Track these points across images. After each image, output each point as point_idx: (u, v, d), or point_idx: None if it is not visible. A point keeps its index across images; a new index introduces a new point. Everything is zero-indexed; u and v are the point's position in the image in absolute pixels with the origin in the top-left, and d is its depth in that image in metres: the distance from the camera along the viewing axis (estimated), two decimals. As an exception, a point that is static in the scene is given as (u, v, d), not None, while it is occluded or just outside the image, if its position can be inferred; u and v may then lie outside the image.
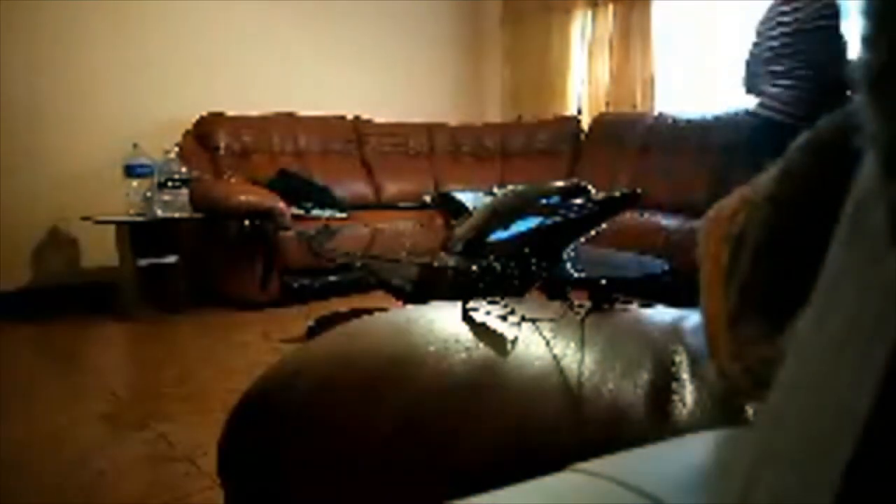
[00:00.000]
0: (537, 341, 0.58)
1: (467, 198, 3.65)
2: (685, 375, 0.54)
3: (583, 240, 1.95)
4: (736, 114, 3.45)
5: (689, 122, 3.63)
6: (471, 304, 0.66)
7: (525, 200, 1.96)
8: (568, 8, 4.35)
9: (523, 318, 0.63)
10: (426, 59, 4.68)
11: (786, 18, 2.59)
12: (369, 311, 0.75)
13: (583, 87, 4.40)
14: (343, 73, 4.26)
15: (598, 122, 4.17)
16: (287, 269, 3.09)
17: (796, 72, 2.59)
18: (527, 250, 1.78)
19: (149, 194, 2.94)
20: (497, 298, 0.68)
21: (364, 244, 3.26)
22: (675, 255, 2.66)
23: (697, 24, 3.82)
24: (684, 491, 0.27)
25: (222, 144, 3.55)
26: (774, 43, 2.65)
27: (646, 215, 3.12)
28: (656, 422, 0.50)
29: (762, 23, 2.74)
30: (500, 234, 1.89)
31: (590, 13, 4.27)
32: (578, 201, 1.86)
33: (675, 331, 0.61)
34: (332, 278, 3.22)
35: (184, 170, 3.04)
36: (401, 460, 0.51)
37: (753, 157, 1.73)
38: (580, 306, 0.67)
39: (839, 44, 2.47)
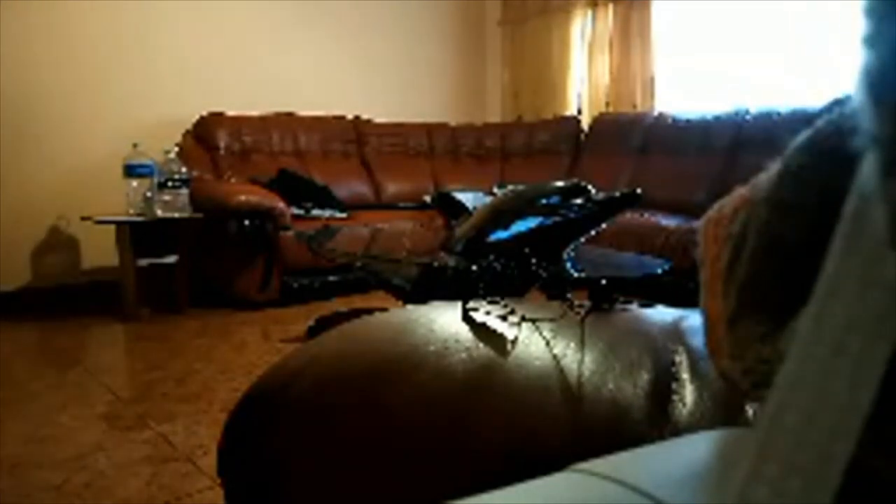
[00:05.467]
0: (537, 341, 0.58)
1: (467, 198, 3.65)
2: (685, 375, 0.54)
3: (583, 240, 1.95)
4: (736, 113, 3.45)
5: (689, 122, 3.63)
6: (471, 304, 0.66)
7: (525, 200, 1.96)
8: (568, 8, 4.35)
9: (523, 318, 0.63)
10: (426, 59, 4.68)
11: None
12: (369, 311, 0.75)
13: (583, 87, 4.40)
14: (343, 73, 4.26)
15: (598, 122, 4.17)
16: (287, 269, 3.09)
17: None
18: (527, 250, 1.79)
19: (149, 194, 2.94)
20: (497, 298, 0.68)
21: (364, 244, 3.26)
22: (675, 255, 2.66)
23: (697, 24, 3.83)
24: (684, 491, 0.27)
25: (222, 144, 3.55)
26: None
27: (646, 215, 3.12)
28: (656, 422, 0.50)
29: None
30: (500, 234, 1.89)
31: (590, 13, 4.27)
32: (578, 201, 1.87)
33: (675, 331, 0.61)
34: (332, 278, 3.22)
35: (184, 170, 3.04)
36: (400, 460, 0.51)
37: None
38: (580, 306, 0.67)
39: None
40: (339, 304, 3.06)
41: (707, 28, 3.77)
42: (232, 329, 2.71)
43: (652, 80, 4.01)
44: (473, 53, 4.95)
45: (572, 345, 0.57)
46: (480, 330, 0.61)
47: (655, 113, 3.87)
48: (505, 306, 0.66)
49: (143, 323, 2.86)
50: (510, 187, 2.67)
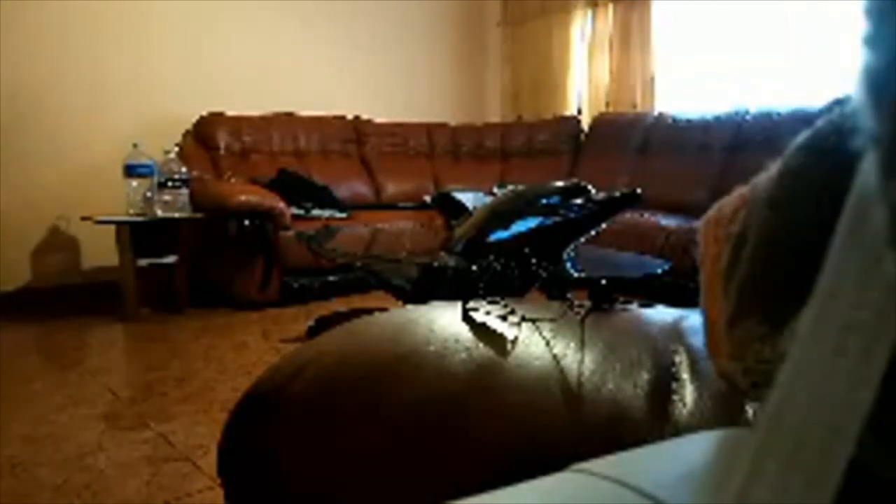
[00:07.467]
0: (537, 341, 0.58)
1: (467, 198, 3.65)
2: (685, 375, 0.54)
3: (583, 240, 1.95)
4: (736, 113, 3.45)
5: (689, 122, 3.63)
6: (471, 304, 0.66)
7: (525, 200, 1.96)
8: (568, 8, 4.35)
9: (523, 318, 0.63)
10: (426, 59, 4.68)
11: None
12: (369, 311, 0.75)
13: (583, 87, 4.40)
14: (343, 73, 4.26)
15: (598, 122, 4.17)
16: (287, 269, 3.09)
17: None
18: (527, 250, 1.78)
19: (149, 194, 2.94)
20: (497, 298, 0.68)
21: (364, 244, 3.26)
22: (675, 255, 2.66)
23: (697, 24, 3.83)
24: (684, 491, 0.27)
25: (222, 144, 3.56)
26: None
27: (646, 215, 3.12)
28: (656, 422, 0.50)
29: None
30: (500, 234, 1.89)
31: (590, 13, 4.27)
32: (578, 201, 1.87)
33: (675, 331, 0.61)
34: (332, 278, 3.22)
35: (184, 170, 3.04)
36: (400, 460, 0.51)
37: None
38: (580, 306, 0.67)
39: None
40: (339, 304, 3.06)
41: (707, 28, 3.77)
42: (232, 329, 2.71)
43: (652, 80, 4.01)
44: (473, 53, 4.95)
45: (572, 345, 0.57)
46: (480, 330, 0.61)
47: (655, 113, 3.87)
48: (505, 306, 0.66)
49: (143, 323, 2.86)
50: (510, 187, 2.67)
